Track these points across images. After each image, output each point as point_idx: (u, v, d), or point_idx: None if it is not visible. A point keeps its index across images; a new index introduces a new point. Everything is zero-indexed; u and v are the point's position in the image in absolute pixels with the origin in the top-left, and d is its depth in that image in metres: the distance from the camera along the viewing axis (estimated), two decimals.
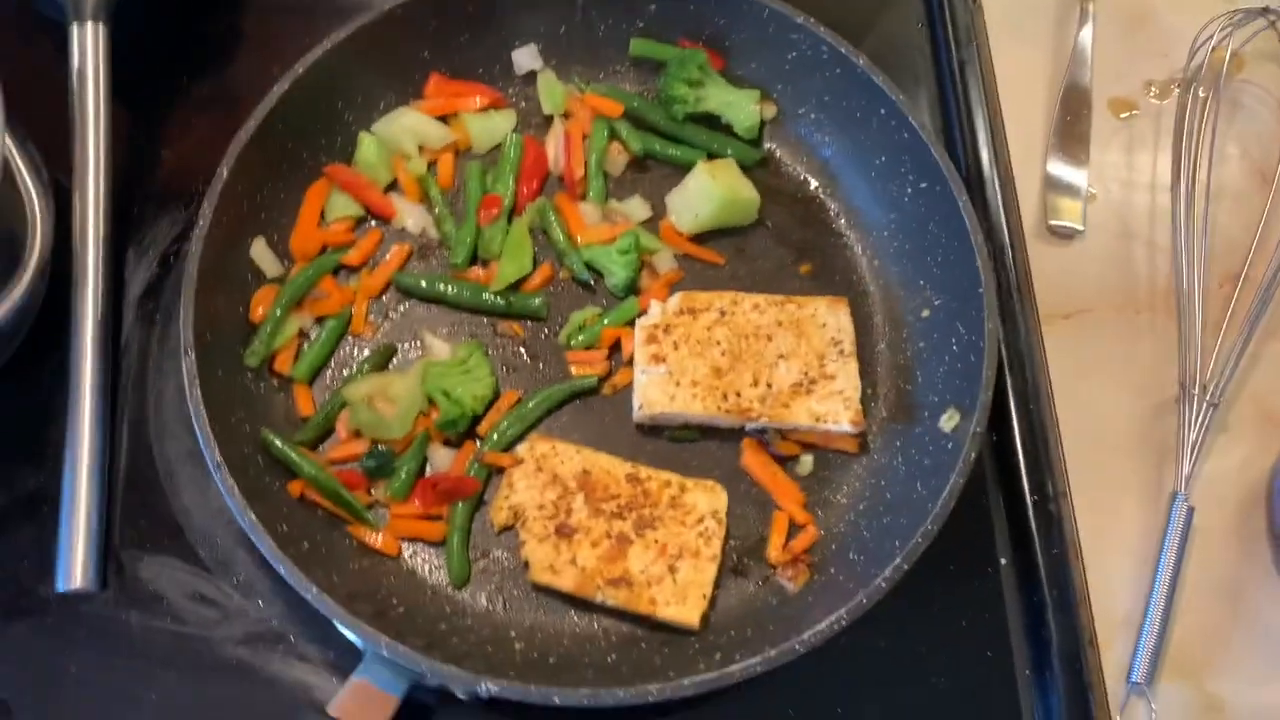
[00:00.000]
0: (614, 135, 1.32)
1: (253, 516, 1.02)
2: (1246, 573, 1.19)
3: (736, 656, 1.03)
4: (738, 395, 1.19)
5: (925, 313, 1.23)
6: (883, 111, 1.24)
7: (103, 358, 1.17)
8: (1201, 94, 1.38)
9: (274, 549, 1.01)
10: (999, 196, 1.32)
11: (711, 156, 1.31)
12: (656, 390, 1.19)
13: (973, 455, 1.09)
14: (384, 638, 0.98)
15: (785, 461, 1.21)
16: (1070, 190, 1.36)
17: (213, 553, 1.14)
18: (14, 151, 1.15)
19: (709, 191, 1.26)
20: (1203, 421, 1.21)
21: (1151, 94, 1.43)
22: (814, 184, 1.33)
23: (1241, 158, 1.40)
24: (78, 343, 1.16)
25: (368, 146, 1.27)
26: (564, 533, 1.13)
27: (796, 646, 1.01)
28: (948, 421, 1.14)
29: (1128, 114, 1.42)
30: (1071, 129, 1.38)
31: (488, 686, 0.97)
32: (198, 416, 1.05)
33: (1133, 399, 1.27)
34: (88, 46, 1.23)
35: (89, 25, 1.23)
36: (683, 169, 1.31)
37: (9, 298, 1.11)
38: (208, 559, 1.14)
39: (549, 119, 1.33)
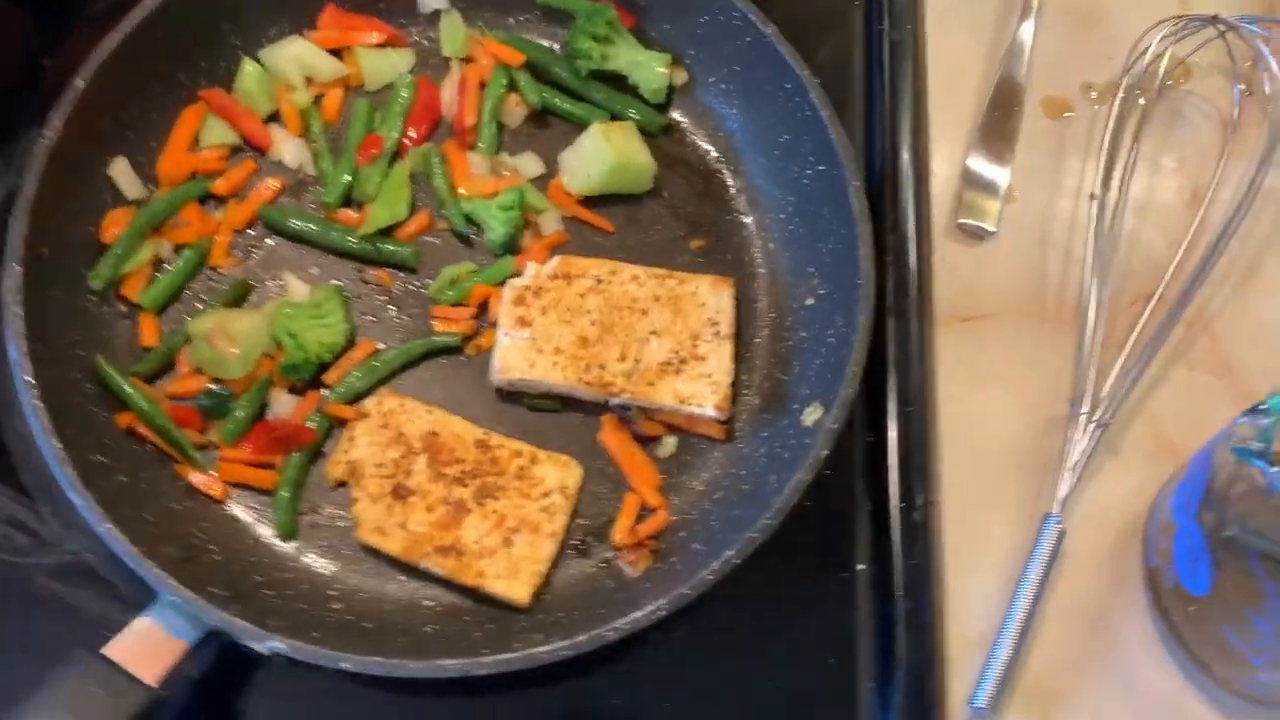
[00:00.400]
0: (513, 86, 1.26)
1: (55, 443, 0.97)
2: (1115, 606, 1.12)
3: (556, 638, 0.98)
4: (601, 368, 1.13)
5: (810, 301, 1.17)
6: (788, 86, 1.18)
7: None
8: (1141, 102, 1.31)
9: (73, 478, 0.96)
10: (911, 188, 1.26)
11: (614, 118, 1.25)
12: (517, 355, 1.13)
13: (824, 453, 1.03)
14: (171, 581, 0.93)
15: (647, 442, 1.15)
16: (988, 189, 1.29)
17: (37, 479, 1.10)
18: None
19: (602, 153, 1.20)
20: (1089, 441, 1.15)
21: (1090, 97, 1.36)
22: (717, 157, 1.27)
23: (1177, 171, 1.33)
24: None
25: (250, 74, 1.21)
26: (400, 494, 1.08)
27: (608, 634, 0.96)
28: (809, 416, 1.09)
29: (1062, 116, 1.35)
30: (999, 125, 1.31)
31: (275, 644, 0.93)
32: (13, 332, 1.01)
33: (1024, 413, 1.20)
34: None
35: None
36: (582, 128, 1.24)
37: None
38: (31, 485, 1.10)
39: (448, 63, 1.27)
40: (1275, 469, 0.88)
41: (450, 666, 0.94)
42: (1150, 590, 1.12)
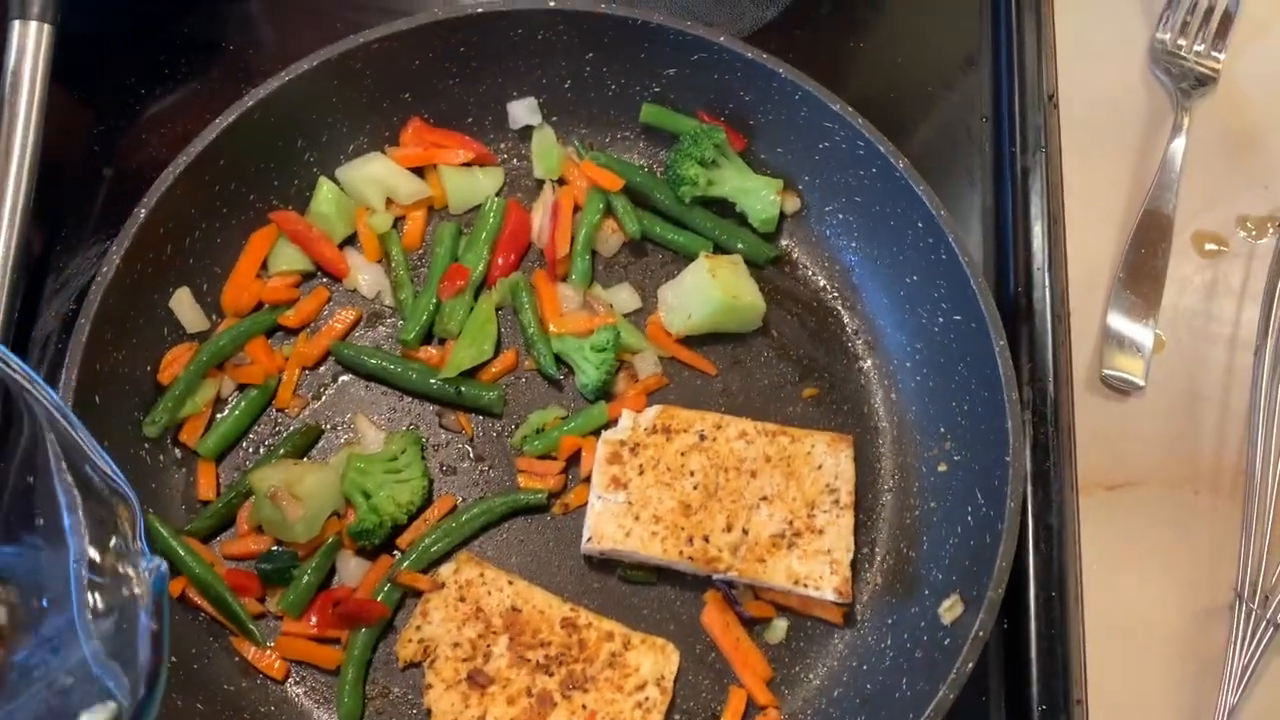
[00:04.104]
0: (610, 211, 1.14)
1: None
2: None
3: None
4: (705, 540, 1.01)
5: (942, 467, 1.04)
6: (920, 225, 1.06)
7: None
8: None
9: None
10: (1048, 334, 1.13)
11: (718, 249, 1.14)
12: (611, 522, 1.01)
13: (970, 665, 0.90)
14: None
15: (754, 624, 1.02)
16: (1134, 336, 1.16)
17: None
18: None
19: (707, 292, 1.08)
20: (1258, 642, 1.01)
21: (1244, 232, 1.22)
22: (832, 294, 1.15)
23: None
24: None
25: (326, 194, 1.11)
26: (477, 681, 0.96)
27: None
28: (949, 611, 0.95)
29: (1215, 249, 1.22)
30: (1144, 263, 1.18)
31: None
32: None
33: (1179, 598, 1.06)
34: (27, 46, 1.09)
35: (31, 24, 1.10)
36: (683, 259, 1.14)
37: None
38: None
39: (540, 184, 1.17)
40: None
41: None
42: None
